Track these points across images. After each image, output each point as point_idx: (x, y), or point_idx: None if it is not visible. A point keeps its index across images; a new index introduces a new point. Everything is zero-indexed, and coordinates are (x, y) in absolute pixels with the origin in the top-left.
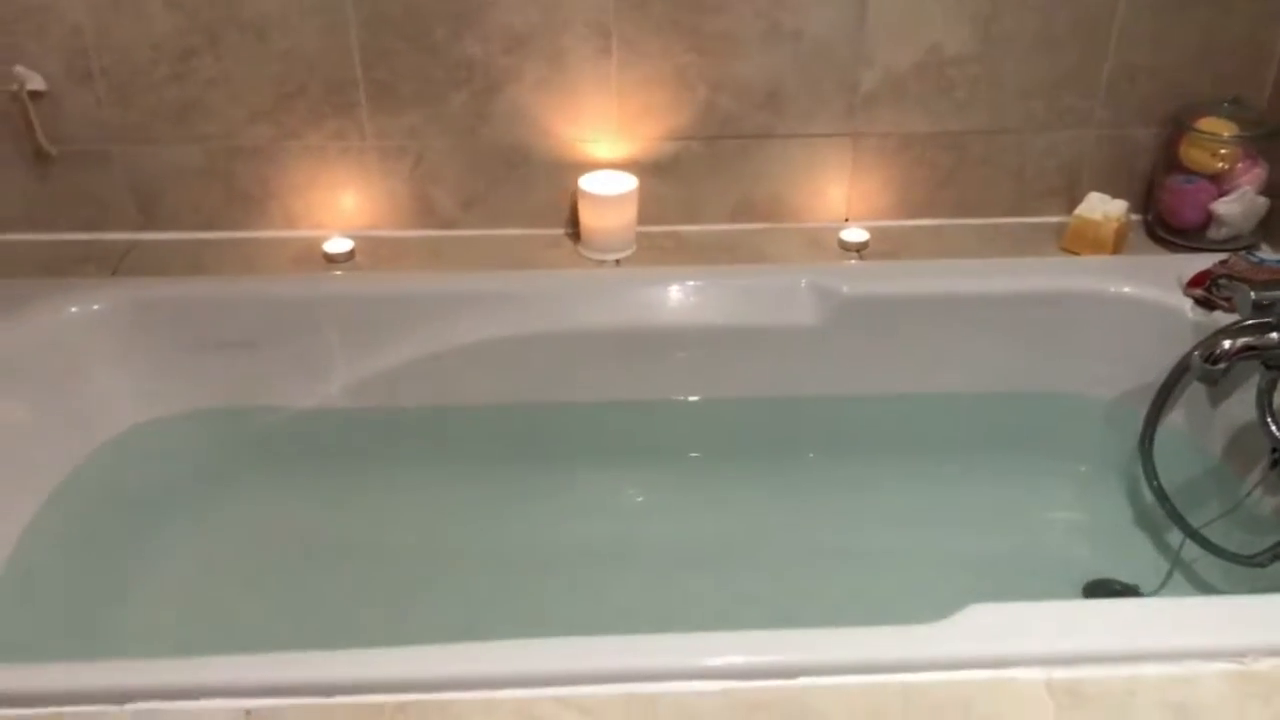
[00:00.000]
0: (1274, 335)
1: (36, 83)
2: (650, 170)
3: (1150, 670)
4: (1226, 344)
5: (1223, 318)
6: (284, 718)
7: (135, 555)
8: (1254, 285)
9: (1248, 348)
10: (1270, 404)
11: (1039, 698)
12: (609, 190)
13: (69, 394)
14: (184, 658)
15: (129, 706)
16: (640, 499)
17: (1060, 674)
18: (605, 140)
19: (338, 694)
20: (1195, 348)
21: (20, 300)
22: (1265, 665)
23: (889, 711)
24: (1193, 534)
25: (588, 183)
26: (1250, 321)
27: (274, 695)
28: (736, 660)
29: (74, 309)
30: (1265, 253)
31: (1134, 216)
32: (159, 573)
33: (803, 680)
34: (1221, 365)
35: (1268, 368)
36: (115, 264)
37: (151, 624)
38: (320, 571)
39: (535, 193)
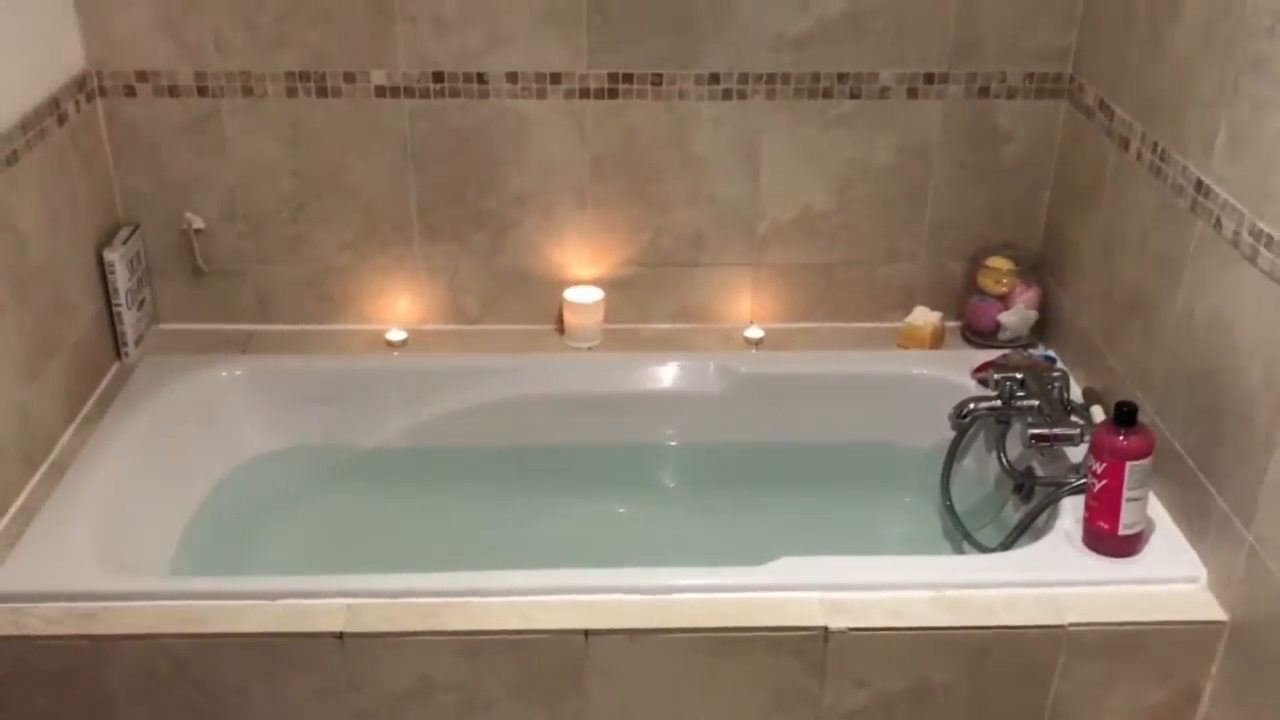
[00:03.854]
0: (998, 401)
1: (199, 223)
2: (613, 286)
3: (882, 595)
4: (971, 405)
5: (992, 392)
6: (370, 610)
7: (259, 533)
8: (996, 369)
9: (988, 410)
10: (1003, 447)
11: (812, 606)
12: (584, 299)
13: (218, 431)
14: (310, 574)
15: (279, 601)
16: (617, 509)
17: (827, 595)
18: (581, 265)
19: (402, 597)
20: (953, 409)
21: (186, 367)
22: (951, 593)
23: (723, 613)
24: (968, 536)
25: (570, 294)
26: (989, 392)
27: (364, 597)
28: (629, 582)
29: (223, 374)
30: (1037, 350)
31: (952, 323)
32: (273, 545)
33: (671, 595)
34: (966, 419)
35: (998, 422)
36: (243, 345)
37: (272, 569)
38: (377, 549)
39: (533, 300)
